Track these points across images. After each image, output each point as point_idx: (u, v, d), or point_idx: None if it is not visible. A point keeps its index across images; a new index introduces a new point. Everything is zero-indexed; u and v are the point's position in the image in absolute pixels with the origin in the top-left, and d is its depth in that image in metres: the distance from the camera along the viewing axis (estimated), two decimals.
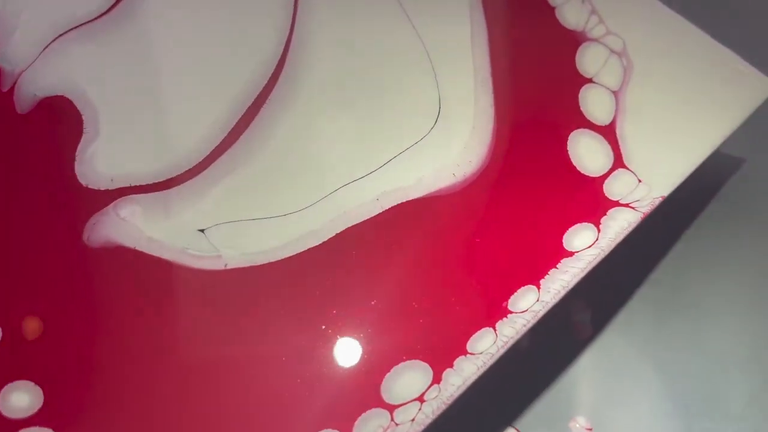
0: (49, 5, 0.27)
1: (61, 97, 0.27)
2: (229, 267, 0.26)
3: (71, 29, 0.27)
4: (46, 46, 0.27)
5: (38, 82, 0.27)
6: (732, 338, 0.31)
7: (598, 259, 0.26)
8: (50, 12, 0.27)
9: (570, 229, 0.27)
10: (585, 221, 0.27)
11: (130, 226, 0.26)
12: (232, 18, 0.28)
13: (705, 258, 0.33)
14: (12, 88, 0.27)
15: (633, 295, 0.32)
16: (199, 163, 0.27)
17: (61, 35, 0.27)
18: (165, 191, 0.26)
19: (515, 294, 0.26)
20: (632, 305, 0.32)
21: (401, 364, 0.25)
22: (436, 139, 0.28)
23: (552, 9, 0.31)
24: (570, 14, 0.31)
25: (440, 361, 0.25)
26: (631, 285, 0.32)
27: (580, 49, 0.31)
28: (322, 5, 0.29)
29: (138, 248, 0.26)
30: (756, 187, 0.34)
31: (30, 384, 0.24)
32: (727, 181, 0.34)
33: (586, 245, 0.27)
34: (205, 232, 0.26)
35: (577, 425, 0.29)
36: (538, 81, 0.30)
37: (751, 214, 0.34)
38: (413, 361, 0.25)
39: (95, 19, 0.28)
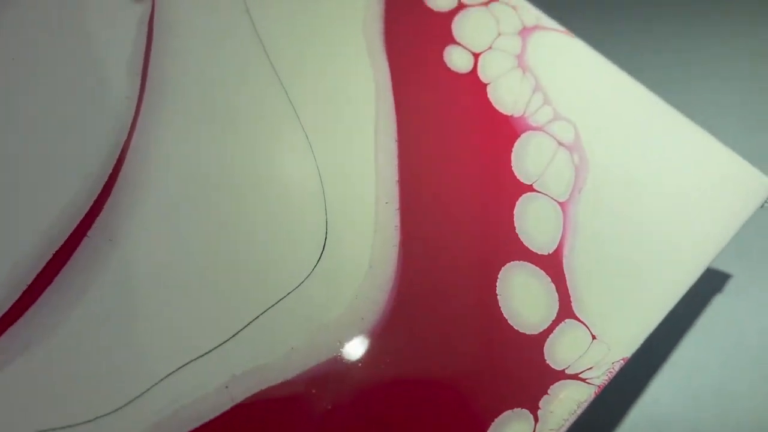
0: None
1: None
2: None
3: None
4: None
5: None
6: None
7: None
8: None
9: (496, 421, 0.20)
10: (517, 406, 0.20)
11: None
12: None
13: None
14: None
15: None
16: None
17: None
18: None
19: None
20: None
21: None
22: (316, 287, 0.21)
23: (483, 86, 0.24)
24: (506, 92, 0.24)
25: None
26: None
27: (519, 142, 0.23)
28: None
29: None
30: (745, 310, 0.27)
31: None
32: (710, 301, 0.27)
33: None
34: None
35: None
36: (460, 195, 0.22)
37: (741, 343, 0.27)
38: None
39: None
